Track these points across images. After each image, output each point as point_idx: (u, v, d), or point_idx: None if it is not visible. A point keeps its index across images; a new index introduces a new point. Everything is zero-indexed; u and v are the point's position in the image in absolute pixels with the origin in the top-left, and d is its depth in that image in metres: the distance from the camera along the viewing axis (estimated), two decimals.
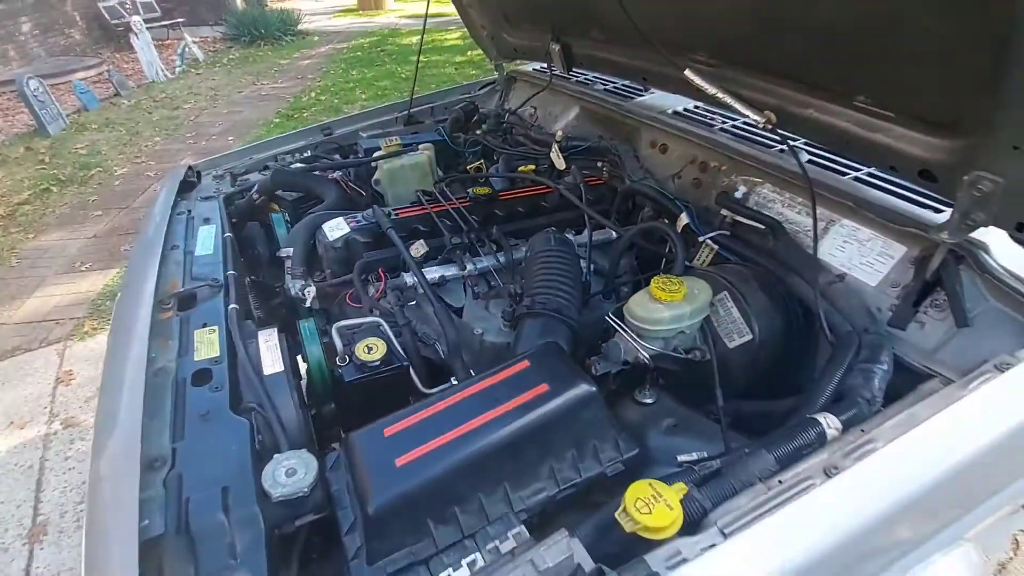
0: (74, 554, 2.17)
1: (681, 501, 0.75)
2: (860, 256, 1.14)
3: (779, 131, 1.20)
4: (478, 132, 2.08)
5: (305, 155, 2.16)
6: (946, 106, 0.87)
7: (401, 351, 1.15)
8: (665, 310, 1.06)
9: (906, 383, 0.97)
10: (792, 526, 0.70)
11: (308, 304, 1.35)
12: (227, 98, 7.68)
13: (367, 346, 1.07)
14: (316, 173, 1.90)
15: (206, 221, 1.60)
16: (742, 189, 1.33)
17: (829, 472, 0.75)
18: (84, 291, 3.68)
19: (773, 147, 1.36)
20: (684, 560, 0.68)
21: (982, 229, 0.94)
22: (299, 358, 1.15)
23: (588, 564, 0.74)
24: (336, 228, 1.45)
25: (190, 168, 1.93)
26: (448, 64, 7.90)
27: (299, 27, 11.01)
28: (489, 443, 0.87)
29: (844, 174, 1.23)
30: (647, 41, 1.40)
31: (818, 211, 1.18)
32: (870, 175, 1.23)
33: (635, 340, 1.06)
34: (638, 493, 0.76)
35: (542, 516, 0.93)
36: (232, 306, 1.25)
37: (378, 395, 1.09)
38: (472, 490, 0.86)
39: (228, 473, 0.88)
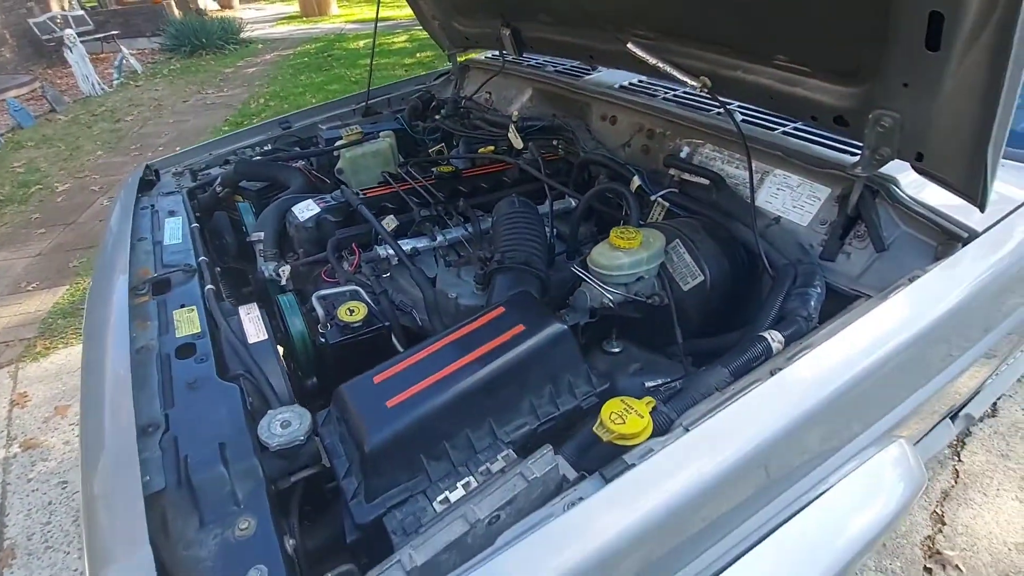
0: (46, 574, 2.11)
1: (651, 412, 0.85)
2: (792, 200, 1.27)
3: (715, 95, 1.32)
4: (437, 118, 2.14)
5: (265, 148, 2.17)
6: (847, 56, 1.00)
7: (381, 315, 1.21)
8: (624, 256, 1.15)
9: (839, 305, 1.10)
10: (743, 419, 0.80)
11: (284, 283, 1.38)
12: (171, 108, 7.44)
13: (348, 308, 1.12)
14: (280, 163, 1.92)
15: (171, 213, 1.61)
16: (686, 150, 1.45)
17: (773, 372, 0.85)
18: (33, 311, 3.52)
19: (711, 111, 1.49)
20: (654, 453, 0.77)
21: (892, 166, 1.08)
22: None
23: (572, 473, 0.83)
24: (306, 209, 1.49)
25: (148, 167, 1.92)
26: (398, 66, 7.89)
27: (241, 35, 10.74)
28: (473, 381, 0.94)
29: (773, 129, 1.37)
30: (592, 20, 1.51)
31: (753, 164, 1.30)
32: (795, 129, 1.37)
33: (600, 286, 1.15)
34: (612, 408, 0.85)
35: (525, 449, 1.00)
36: (208, 287, 1.28)
37: (362, 357, 1.15)
38: (460, 426, 0.93)
39: (223, 432, 0.91)
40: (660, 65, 1.39)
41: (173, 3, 11.43)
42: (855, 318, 0.93)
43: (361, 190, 1.60)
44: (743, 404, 0.81)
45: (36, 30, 9.32)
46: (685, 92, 1.65)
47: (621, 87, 1.75)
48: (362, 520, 0.82)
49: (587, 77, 1.87)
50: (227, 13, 12.77)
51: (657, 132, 1.57)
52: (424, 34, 2.46)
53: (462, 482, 0.85)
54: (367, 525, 0.82)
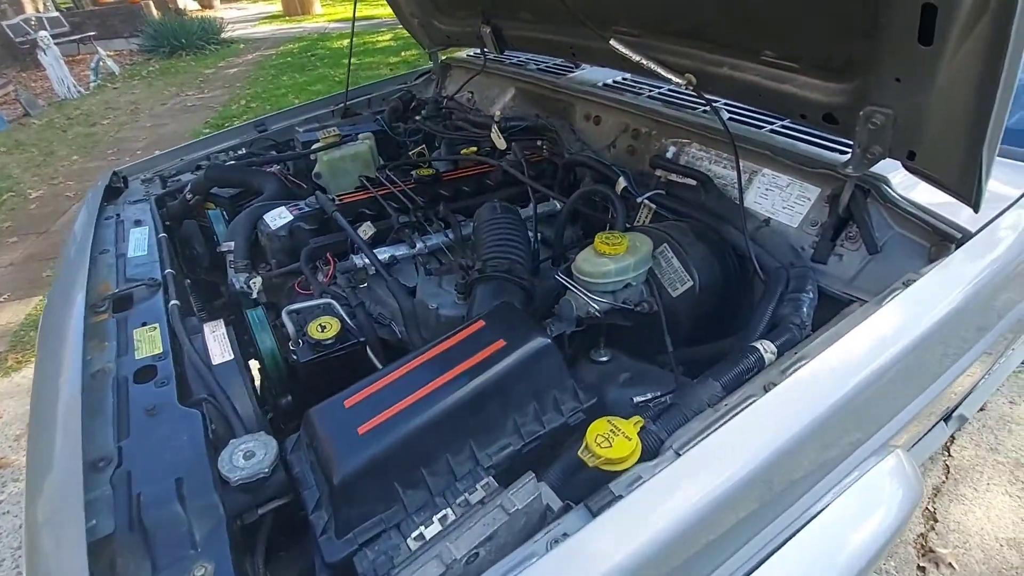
0: None
1: (639, 433, 0.79)
2: (782, 201, 1.23)
3: (701, 92, 1.27)
4: (417, 119, 2.08)
5: (239, 153, 2.09)
6: (837, 51, 0.96)
7: (356, 329, 1.14)
8: (610, 263, 1.10)
9: (831, 310, 1.06)
10: (737, 439, 0.75)
11: (254, 296, 1.32)
12: (149, 111, 7.28)
13: (320, 325, 1.06)
14: (253, 168, 1.85)
15: (137, 223, 1.53)
16: (672, 150, 1.40)
17: (767, 388, 0.81)
18: (4, 323, 3.41)
19: (697, 108, 1.44)
20: (643, 481, 0.71)
21: (883, 165, 1.03)
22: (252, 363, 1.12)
23: (556, 502, 0.77)
24: (279, 217, 1.42)
25: (115, 174, 1.83)
26: (382, 65, 7.79)
27: (222, 35, 10.56)
28: (451, 402, 0.88)
29: (761, 127, 1.32)
30: (574, 17, 1.45)
31: (741, 163, 1.26)
32: (784, 127, 1.32)
33: (585, 295, 1.10)
34: (598, 430, 0.80)
35: (510, 472, 0.95)
36: (173, 302, 1.21)
37: (336, 376, 1.08)
38: (438, 450, 0.87)
39: (181, 465, 0.85)
40: (644, 62, 1.34)
41: (152, 3, 11.21)
42: (850, 327, 0.88)
43: (337, 196, 1.53)
44: (736, 424, 0.76)
45: (9, 32, 9.08)
46: (671, 90, 1.60)
47: (605, 85, 1.69)
48: (332, 559, 0.77)
49: (570, 75, 1.82)
50: (207, 13, 12.55)
51: (643, 132, 1.52)
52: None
53: (439, 515, 0.79)
54: (337, 564, 0.76)
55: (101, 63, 8.87)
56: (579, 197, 1.39)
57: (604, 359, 1.23)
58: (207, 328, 1.10)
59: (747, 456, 0.73)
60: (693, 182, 1.34)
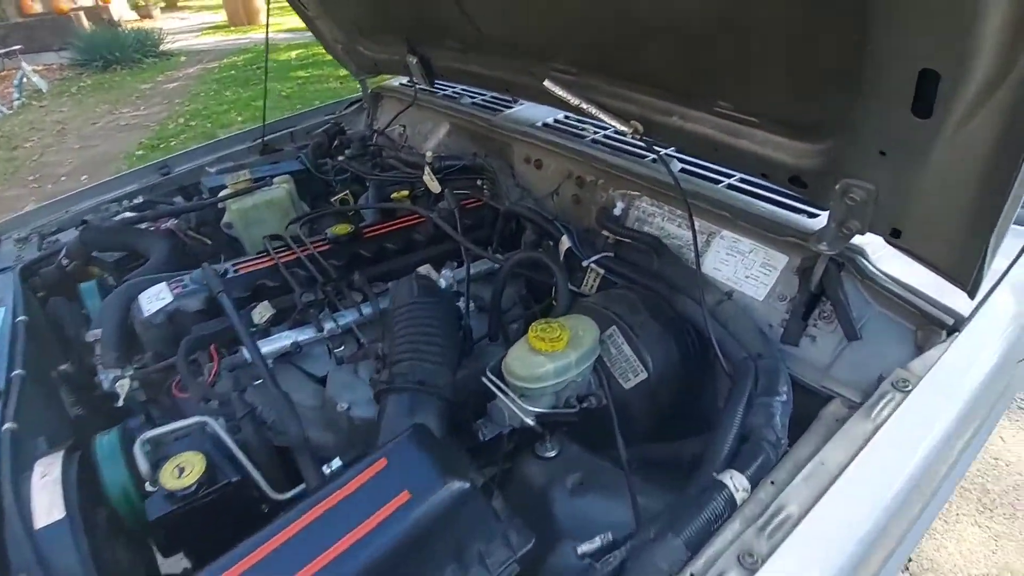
0: None
1: None
2: (744, 269, 1.06)
3: (648, 142, 1.10)
4: (341, 158, 1.85)
5: (136, 201, 1.82)
6: (806, 108, 0.79)
7: (240, 454, 0.91)
8: (548, 362, 0.91)
9: (807, 404, 0.89)
10: None
11: (121, 402, 1.07)
12: (78, 132, 6.76)
13: (177, 467, 0.82)
14: (141, 225, 1.58)
15: None
16: (620, 205, 1.23)
17: (744, 561, 0.62)
18: None
19: (647, 157, 1.27)
20: None
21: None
22: None
23: None
24: (156, 298, 1.17)
25: None
26: (331, 78, 7.46)
27: (162, 48, 9.99)
28: None
29: (719, 181, 1.15)
30: (507, 50, 1.27)
31: (697, 223, 1.09)
32: (745, 180, 1.16)
33: (515, 404, 0.91)
34: None
35: None
36: (7, 426, 0.96)
37: (210, 521, 0.86)
38: None
39: None
40: (584, 106, 1.17)
41: (83, 14, 10.53)
42: (841, 455, 0.72)
43: (233, 264, 1.29)
44: None
45: None
46: (617, 131, 1.42)
47: (545, 125, 1.51)
48: None
49: (508, 112, 1.63)
50: (146, 23, 11.89)
51: (588, 180, 1.34)
52: None
53: None
54: None
55: (25, 79, 8.23)
56: (517, 264, 1.20)
57: (551, 454, 1.04)
58: (36, 470, 0.86)
59: None
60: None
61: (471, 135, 1.73)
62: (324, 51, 2.12)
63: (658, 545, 0.69)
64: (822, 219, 1.00)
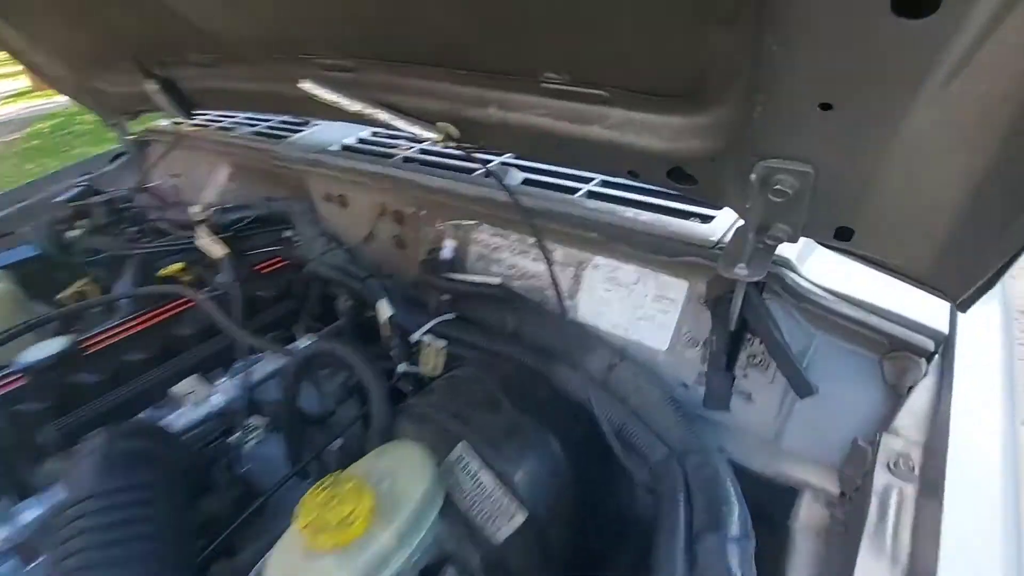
0: None
1: None
2: (633, 308, 0.73)
3: (467, 150, 0.75)
4: (77, 232, 1.31)
5: None
6: (678, 59, 0.48)
7: None
8: (336, 567, 0.50)
9: (764, 501, 0.57)
10: None
11: None
12: None
13: None
14: None
15: None
16: (450, 244, 0.85)
17: None
18: None
19: (477, 170, 0.91)
20: None
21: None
22: None
23: None
24: None
25: None
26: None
27: None
28: None
29: (576, 190, 0.82)
30: (257, 52, 0.86)
31: (560, 251, 0.75)
32: (607, 184, 0.84)
33: None
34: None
35: None
36: None
37: None
38: None
39: None
40: (371, 112, 0.79)
41: None
42: None
43: None
44: None
45: None
46: (431, 145, 1.06)
47: (345, 148, 1.10)
48: None
49: (293, 138, 1.20)
50: None
51: (408, 214, 0.96)
52: None
53: None
54: None
55: None
56: (304, 363, 0.78)
57: None
58: None
59: None
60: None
61: (258, 174, 1.28)
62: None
63: None
64: (723, 222, 0.71)
